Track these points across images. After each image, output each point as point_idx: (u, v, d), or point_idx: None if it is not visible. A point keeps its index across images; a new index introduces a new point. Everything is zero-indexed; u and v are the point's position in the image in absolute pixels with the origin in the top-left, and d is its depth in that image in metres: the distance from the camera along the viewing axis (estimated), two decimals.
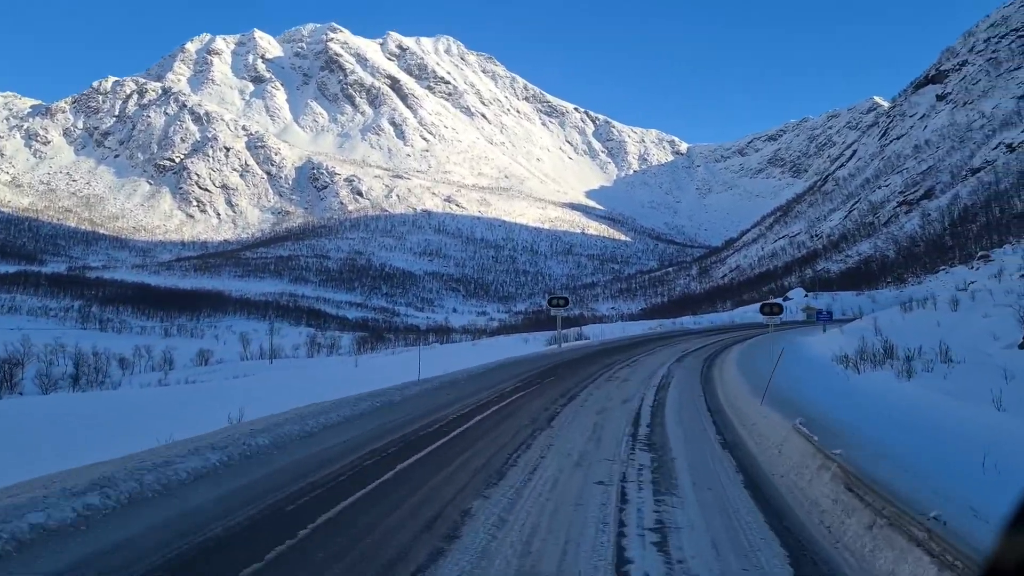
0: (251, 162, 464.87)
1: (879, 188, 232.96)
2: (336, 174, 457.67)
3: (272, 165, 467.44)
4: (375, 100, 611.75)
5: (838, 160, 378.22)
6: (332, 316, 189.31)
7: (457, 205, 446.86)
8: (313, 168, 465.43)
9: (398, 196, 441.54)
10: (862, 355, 19.76)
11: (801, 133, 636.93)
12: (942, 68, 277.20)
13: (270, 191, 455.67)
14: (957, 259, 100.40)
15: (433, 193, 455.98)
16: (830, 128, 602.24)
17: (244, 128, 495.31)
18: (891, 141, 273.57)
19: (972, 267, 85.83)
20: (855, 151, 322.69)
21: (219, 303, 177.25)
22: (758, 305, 53.27)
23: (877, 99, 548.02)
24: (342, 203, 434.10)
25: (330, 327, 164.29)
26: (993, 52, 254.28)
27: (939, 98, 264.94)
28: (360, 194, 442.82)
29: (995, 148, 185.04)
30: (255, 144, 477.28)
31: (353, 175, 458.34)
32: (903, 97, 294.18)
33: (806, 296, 79.62)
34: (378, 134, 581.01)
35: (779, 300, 60.14)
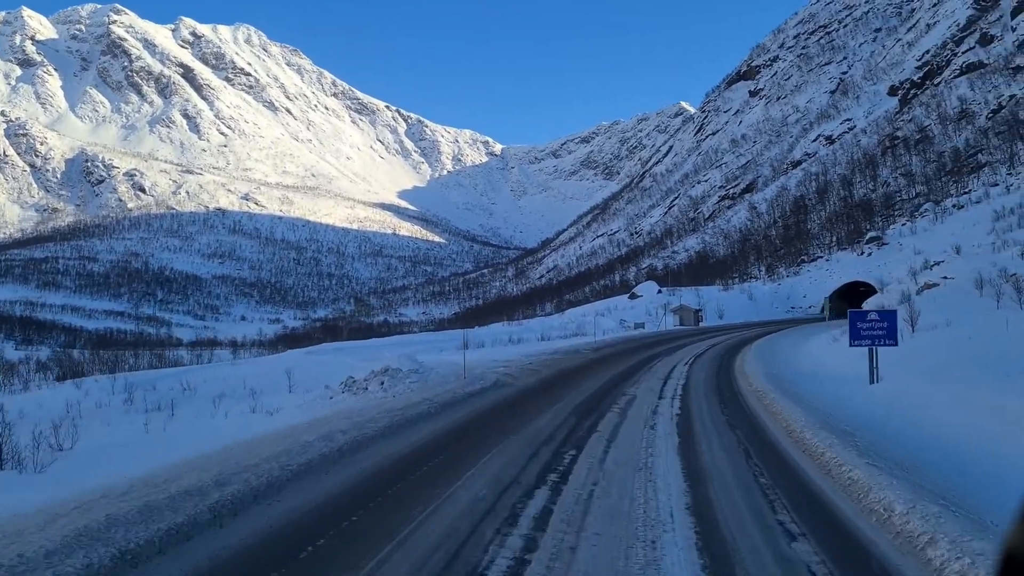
0: (10, 152, 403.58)
1: (698, 183, 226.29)
2: (114, 167, 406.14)
3: (37, 156, 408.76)
4: (165, 90, 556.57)
5: (650, 161, 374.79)
6: (63, 327, 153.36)
7: (256, 203, 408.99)
8: (87, 160, 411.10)
9: (188, 192, 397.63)
10: None
11: (613, 136, 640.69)
12: (754, 64, 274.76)
13: (34, 185, 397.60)
14: (834, 245, 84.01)
15: (229, 190, 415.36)
16: (640, 131, 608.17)
17: (3, 114, 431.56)
18: (707, 136, 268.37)
19: (862, 252, 69.35)
20: (671, 147, 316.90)
21: None
22: (602, 304, 32.09)
23: (684, 104, 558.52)
24: (121, 199, 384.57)
25: (56, 341, 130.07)
26: (803, 48, 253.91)
27: (752, 94, 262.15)
28: (143, 190, 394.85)
29: (814, 140, 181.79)
30: (15, 132, 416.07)
31: (135, 169, 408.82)
32: (716, 93, 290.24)
33: (660, 292, 58.72)
34: (169, 126, 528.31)
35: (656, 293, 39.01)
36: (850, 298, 70.99)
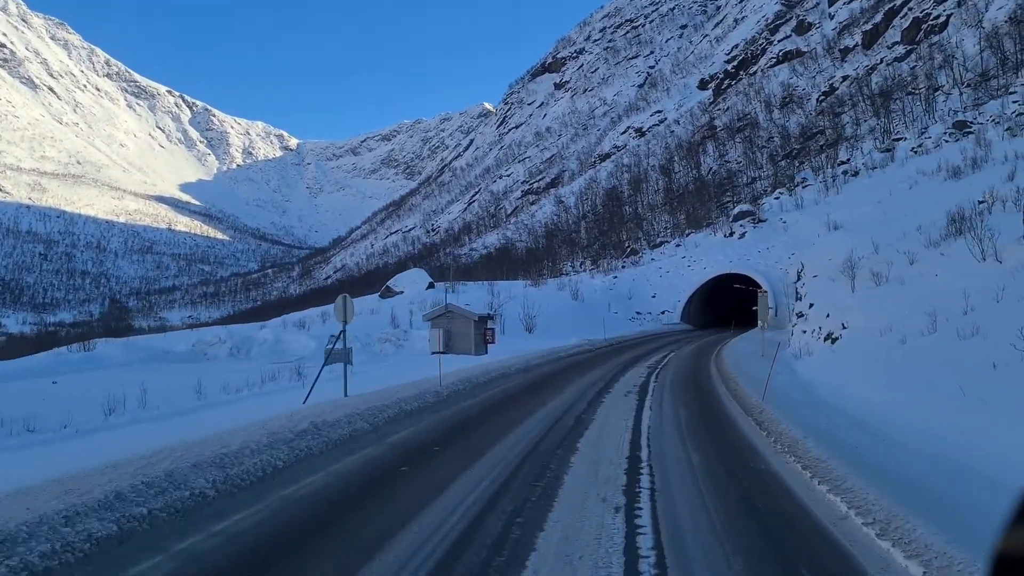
0: None
1: (501, 178, 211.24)
2: None
3: None
4: None
5: (451, 158, 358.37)
6: None
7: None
8: None
9: None
10: None
11: (415, 135, 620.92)
12: (559, 56, 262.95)
13: None
14: (682, 228, 65.09)
15: None
16: (443, 131, 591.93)
17: None
18: (510, 130, 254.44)
19: (731, 232, 50.41)
20: (472, 140, 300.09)
21: None
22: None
23: (487, 105, 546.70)
24: None
25: None
26: (610, 42, 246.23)
27: (558, 86, 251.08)
28: None
29: (624, 133, 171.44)
30: None
31: None
32: (520, 85, 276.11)
33: (432, 286, 35.86)
34: None
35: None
36: (723, 298, 51.64)
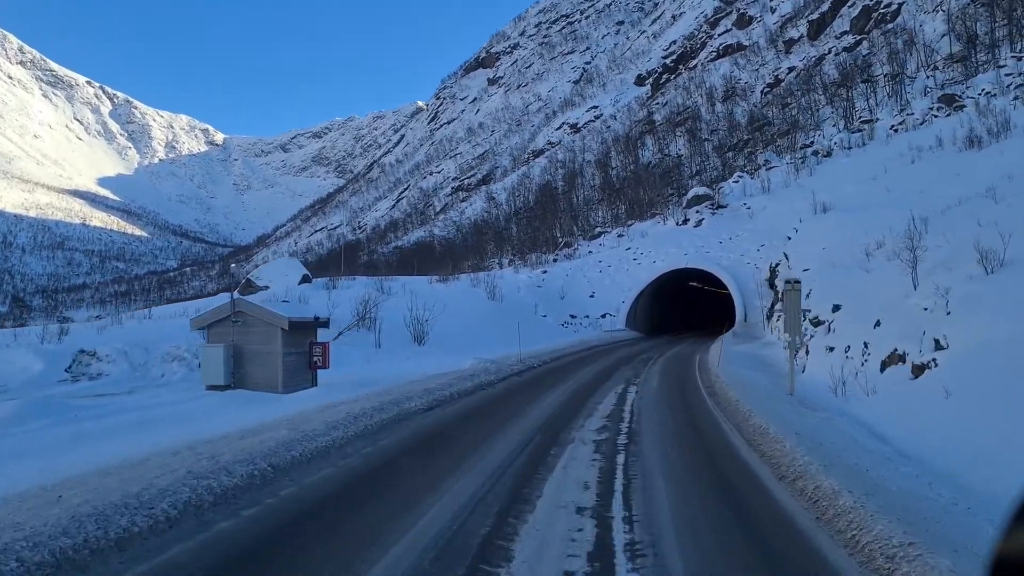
0: None
1: (431, 174, 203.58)
2: None
3: None
4: None
5: (382, 154, 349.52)
6: None
7: None
8: None
9: None
10: None
11: (347, 132, 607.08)
12: (493, 51, 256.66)
13: None
14: (622, 219, 58.12)
15: None
16: (375, 129, 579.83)
17: None
18: (442, 125, 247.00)
19: (685, 220, 43.38)
20: (403, 136, 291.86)
21: None
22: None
23: (421, 103, 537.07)
24: None
25: None
26: (545, 37, 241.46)
27: (491, 82, 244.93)
28: None
29: (559, 128, 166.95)
30: None
31: None
32: (453, 80, 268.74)
33: (308, 280, 27.38)
34: None
35: None
36: (677, 299, 44.43)
